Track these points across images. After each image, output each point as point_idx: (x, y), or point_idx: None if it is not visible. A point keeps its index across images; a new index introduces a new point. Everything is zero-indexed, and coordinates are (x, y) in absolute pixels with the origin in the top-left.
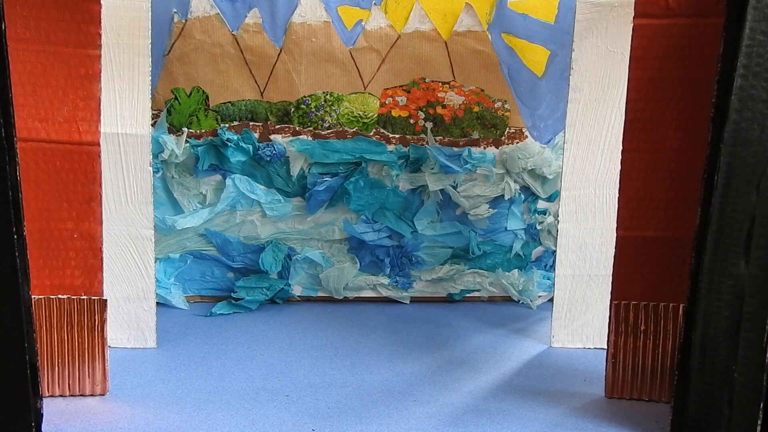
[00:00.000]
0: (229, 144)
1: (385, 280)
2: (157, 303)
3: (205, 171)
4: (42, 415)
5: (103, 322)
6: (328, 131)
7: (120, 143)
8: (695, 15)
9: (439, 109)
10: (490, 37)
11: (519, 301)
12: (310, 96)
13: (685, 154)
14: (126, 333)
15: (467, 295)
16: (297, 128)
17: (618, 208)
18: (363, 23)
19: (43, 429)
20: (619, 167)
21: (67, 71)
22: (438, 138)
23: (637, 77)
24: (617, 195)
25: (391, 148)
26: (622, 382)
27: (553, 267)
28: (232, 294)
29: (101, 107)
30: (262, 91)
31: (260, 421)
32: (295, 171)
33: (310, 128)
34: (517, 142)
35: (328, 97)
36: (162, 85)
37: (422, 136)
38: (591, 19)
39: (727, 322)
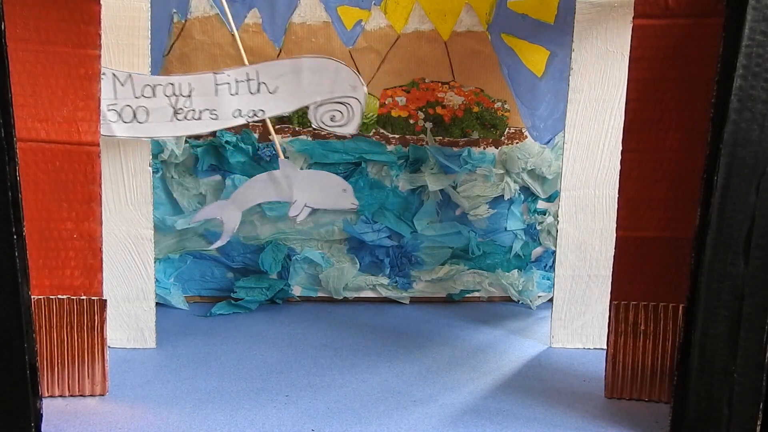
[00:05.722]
0: (228, 146)
1: (385, 281)
2: (157, 303)
3: (205, 171)
4: (41, 415)
5: (102, 322)
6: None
7: (120, 143)
8: (695, 15)
9: (438, 110)
10: (489, 37)
11: (519, 301)
12: None
13: (684, 155)
14: (125, 333)
15: (467, 295)
16: (297, 128)
17: (618, 208)
18: (363, 23)
19: (42, 429)
20: (619, 167)
21: (67, 71)
22: (438, 138)
23: (637, 78)
24: (617, 195)
25: (390, 148)
26: (621, 382)
27: (552, 267)
28: (231, 294)
29: (101, 107)
30: None
31: (260, 421)
32: None
33: (310, 128)
34: (517, 143)
35: None
36: None
37: (422, 136)
38: (591, 19)
39: (727, 322)
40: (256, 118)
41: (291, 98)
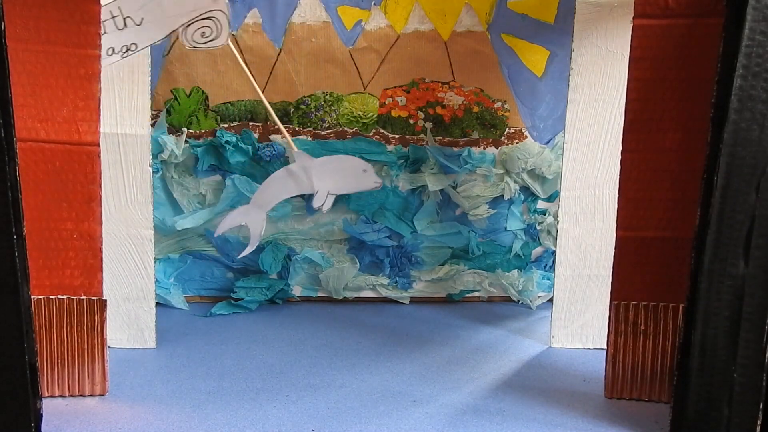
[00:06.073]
0: (228, 146)
1: (385, 281)
2: (157, 303)
3: (205, 171)
4: (41, 415)
5: (102, 322)
6: (328, 131)
7: (120, 143)
8: (695, 15)
9: (438, 110)
10: (489, 37)
11: (518, 301)
12: (309, 96)
13: (684, 155)
14: (125, 333)
15: (467, 295)
16: (296, 128)
17: (618, 208)
18: (363, 23)
19: (42, 429)
20: (619, 167)
21: (67, 71)
22: (438, 138)
23: (637, 77)
24: (617, 195)
25: (390, 148)
26: (621, 382)
27: (552, 267)
28: (231, 294)
29: (101, 107)
30: (261, 91)
31: (260, 421)
32: None
33: (310, 128)
34: (517, 143)
35: (327, 97)
36: (162, 86)
37: (422, 136)
38: (591, 19)
39: (727, 322)
40: (130, 53)
41: (158, 26)
